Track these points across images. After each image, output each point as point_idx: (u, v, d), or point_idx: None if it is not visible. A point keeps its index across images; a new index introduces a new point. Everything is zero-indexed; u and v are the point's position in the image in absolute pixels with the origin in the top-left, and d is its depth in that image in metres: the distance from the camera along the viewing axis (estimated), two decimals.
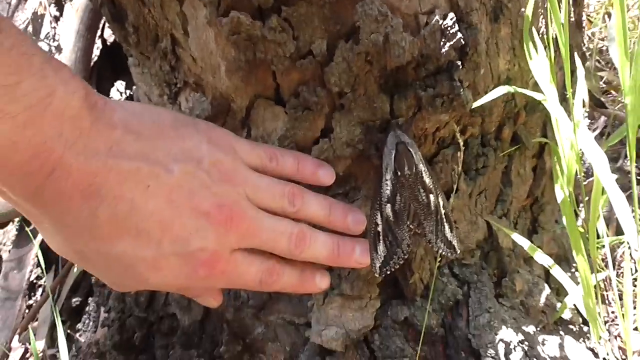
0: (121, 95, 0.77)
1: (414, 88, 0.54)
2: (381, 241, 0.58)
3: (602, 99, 1.19)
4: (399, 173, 0.55)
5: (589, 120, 1.19)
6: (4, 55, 0.40)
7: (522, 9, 0.56)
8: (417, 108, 0.55)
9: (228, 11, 0.48)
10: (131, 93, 0.79)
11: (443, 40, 0.51)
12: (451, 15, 0.51)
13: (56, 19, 1.01)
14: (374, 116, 0.55)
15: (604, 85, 1.27)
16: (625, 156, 1.11)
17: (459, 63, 0.53)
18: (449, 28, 0.50)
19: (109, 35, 1.01)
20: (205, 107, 0.59)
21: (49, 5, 1.00)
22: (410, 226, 0.58)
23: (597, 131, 1.17)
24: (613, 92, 1.26)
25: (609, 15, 1.42)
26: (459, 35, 0.51)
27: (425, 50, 0.51)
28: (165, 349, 0.73)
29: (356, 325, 0.64)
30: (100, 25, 0.94)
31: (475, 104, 0.56)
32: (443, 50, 0.51)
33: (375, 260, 0.58)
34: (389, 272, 0.59)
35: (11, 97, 0.40)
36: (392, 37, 0.49)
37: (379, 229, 0.57)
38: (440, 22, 0.50)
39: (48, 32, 1.01)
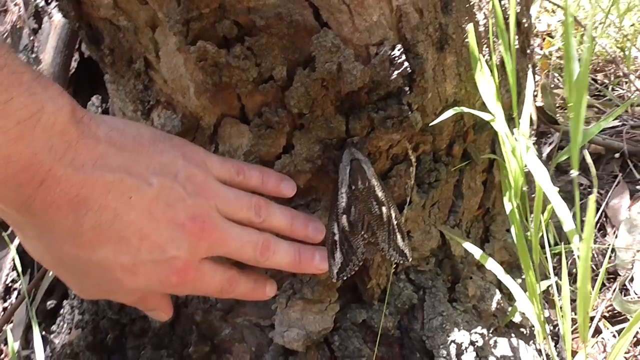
0: (97, 109, 0.81)
1: (367, 110, 0.59)
2: (338, 249, 0.63)
3: (558, 115, 1.26)
4: (353, 187, 0.60)
5: (546, 136, 1.25)
6: None
7: (466, 40, 0.62)
8: (370, 128, 0.60)
9: (196, 40, 0.53)
10: (107, 106, 0.83)
11: (392, 68, 0.56)
12: (399, 46, 0.56)
13: (34, 31, 1.04)
14: (331, 135, 0.60)
15: (561, 101, 1.33)
16: (579, 168, 1.17)
17: (407, 89, 0.58)
18: (396, 58, 0.56)
19: (87, 48, 1.04)
20: (176, 124, 0.63)
21: (28, 19, 1.04)
22: (365, 235, 0.63)
23: (553, 144, 1.24)
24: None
25: None
26: (406, 64, 0.56)
27: (375, 77, 0.56)
28: (137, 350, 0.76)
29: (316, 327, 0.69)
30: (78, 40, 0.98)
31: (431, 123, 0.62)
32: (392, 77, 0.56)
33: (332, 267, 0.63)
34: (345, 278, 0.64)
35: (3, 113, 0.43)
36: (344, 66, 0.54)
37: (336, 238, 0.62)
38: (389, 52, 0.56)
39: (26, 45, 1.04)
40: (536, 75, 1.31)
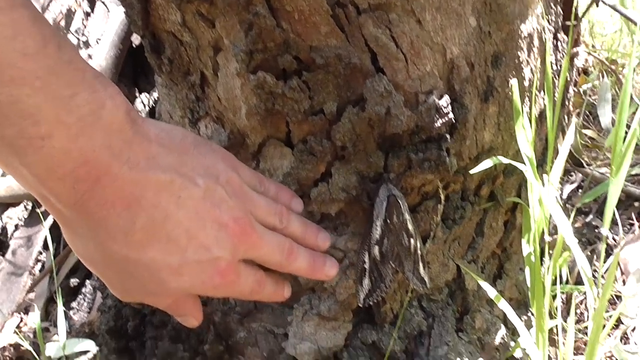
0: (145, 107, 0.84)
1: (407, 151, 0.61)
2: (367, 277, 0.66)
3: (584, 155, 1.28)
4: (389, 221, 0.63)
5: (569, 174, 1.27)
6: (64, 69, 0.44)
7: (510, 93, 0.64)
8: (407, 167, 0.63)
9: (256, 68, 0.56)
10: (153, 105, 0.86)
11: (437, 116, 0.59)
12: (446, 97, 0.58)
13: (87, 15, 1.08)
14: (369, 169, 0.63)
15: (588, 141, 1.34)
16: (597, 211, 1.19)
17: (448, 136, 0.61)
18: (443, 108, 0.58)
19: (135, 37, 1.07)
20: (223, 139, 0.66)
21: (83, 1, 1.07)
22: (393, 265, 0.66)
23: (575, 184, 1.25)
24: (596, 149, 1.34)
25: (604, 72, 1.50)
26: (451, 115, 0.59)
27: (420, 122, 0.59)
28: (154, 340, 0.80)
29: (328, 343, 0.72)
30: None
31: (470, 171, 0.64)
32: (436, 124, 0.59)
33: (360, 293, 0.67)
34: (371, 304, 0.67)
35: (67, 108, 0.44)
36: (393, 110, 0.57)
37: (366, 266, 0.66)
38: (437, 101, 0.58)
39: (78, 27, 1.07)
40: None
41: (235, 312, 0.77)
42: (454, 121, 0.59)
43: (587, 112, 1.44)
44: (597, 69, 1.50)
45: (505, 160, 0.64)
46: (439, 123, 0.59)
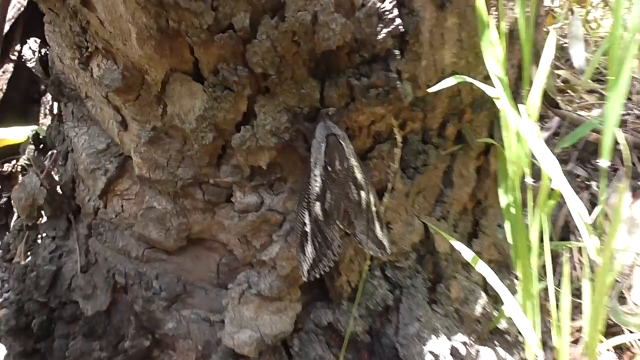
0: (34, 54, 0.71)
1: (347, 76, 0.51)
2: (309, 242, 0.55)
3: (558, 99, 1.18)
4: (330, 168, 0.53)
5: (543, 120, 1.18)
6: None
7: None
8: (350, 98, 0.52)
9: None
10: (46, 52, 0.73)
11: (380, 25, 0.48)
12: None
13: None
14: (302, 103, 0.52)
15: (561, 84, 1.25)
16: (577, 159, 1.10)
17: (398, 52, 0.50)
18: (387, 12, 0.47)
19: None
20: (116, 77, 0.54)
21: None
22: (340, 225, 0.56)
23: (551, 131, 1.16)
24: (570, 91, 1.25)
25: (572, 11, 1.41)
26: (398, 21, 0.48)
27: (359, 34, 0.48)
28: (65, 339, 0.69)
29: (273, 329, 0.62)
30: None
31: (429, 89, 0.53)
32: (380, 36, 0.48)
33: (302, 263, 0.56)
34: (318, 276, 0.57)
35: None
36: (321, 16, 0.45)
37: (307, 228, 0.55)
38: (378, 4, 0.47)
39: None
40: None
41: (161, 297, 0.67)
42: (402, 30, 0.48)
43: (556, 55, 1.36)
44: (564, 9, 1.41)
45: (471, 80, 0.53)
46: (383, 34, 0.48)
